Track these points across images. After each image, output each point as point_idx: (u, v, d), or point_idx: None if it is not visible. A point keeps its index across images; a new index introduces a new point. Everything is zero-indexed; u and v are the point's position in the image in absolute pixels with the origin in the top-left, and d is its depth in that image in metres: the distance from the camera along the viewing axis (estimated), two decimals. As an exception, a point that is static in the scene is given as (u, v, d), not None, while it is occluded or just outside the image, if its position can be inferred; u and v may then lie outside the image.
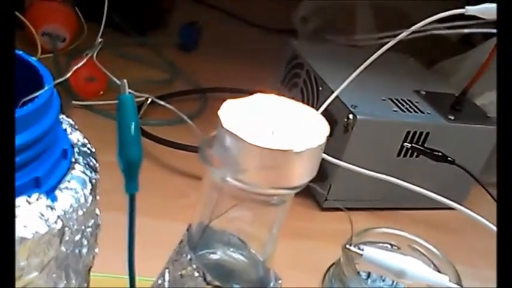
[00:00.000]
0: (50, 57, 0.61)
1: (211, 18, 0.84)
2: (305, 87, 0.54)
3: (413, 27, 0.43)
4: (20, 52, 0.23)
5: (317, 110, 0.47)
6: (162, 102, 0.25)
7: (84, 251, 0.23)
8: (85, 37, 0.67)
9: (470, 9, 0.42)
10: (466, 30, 0.43)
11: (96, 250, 0.25)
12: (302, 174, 0.22)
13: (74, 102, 0.54)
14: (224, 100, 0.23)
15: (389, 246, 0.30)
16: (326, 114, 0.46)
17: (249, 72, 0.71)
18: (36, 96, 0.20)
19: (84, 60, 0.21)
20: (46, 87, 0.21)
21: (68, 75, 0.21)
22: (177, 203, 0.48)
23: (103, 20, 0.68)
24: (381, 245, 0.30)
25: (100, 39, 0.21)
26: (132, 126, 0.22)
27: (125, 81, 0.22)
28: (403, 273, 0.27)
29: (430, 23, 0.44)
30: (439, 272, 0.29)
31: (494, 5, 0.41)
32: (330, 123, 0.23)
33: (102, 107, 0.55)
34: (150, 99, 0.52)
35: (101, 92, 0.57)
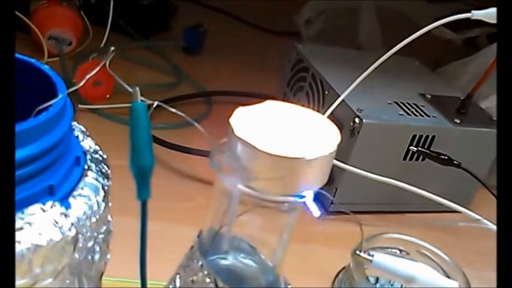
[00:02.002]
0: (56, 60, 0.61)
1: (215, 21, 0.84)
2: (311, 91, 0.54)
3: (420, 32, 0.43)
4: (33, 60, 0.23)
5: (323, 114, 0.47)
6: (171, 109, 0.25)
7: (97, 257, 0.24)
8: (91, 40, 0.68)
9: (476, 14, 0.42)
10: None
11: (108, 256, 0.25)
12: (313, 181, 0.22)
13: (80, 106, 0.55)
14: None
15: (398, 251, 0.30)
16: (332, 118, 0.46)
17: (253, 75, 0.71)
18: (51, 105, 0.21)
19: (98, 69, 0.21)
20: (60, 96, 0.21)
21: (81, 83, 0.21)
22: (183, 206, 0.48)
23: (108, 24, 0.68)
24: (389, 250, 0.30)
25: (112, 48, 0.21)
26: (145, 134, 0.22)
27: (137, 88, 0.22)
28: (412, 279, 0.27)
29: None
30: (448, 277, 0.29)
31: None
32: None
33: (109, 111, 0.56)
34: (155, 103, 0.52)
35: (108, 96, 0.57)
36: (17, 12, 0.60)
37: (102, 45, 0.67)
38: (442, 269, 0.30)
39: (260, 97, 0.64)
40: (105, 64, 0.21)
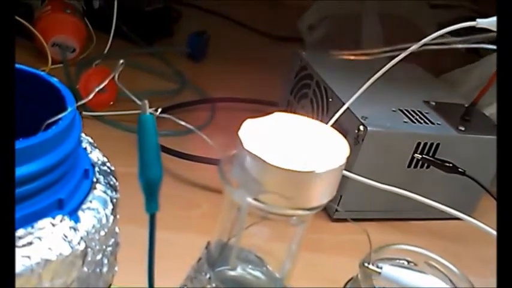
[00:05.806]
0: (60, 67, 0.61)
1: (219, 27, 0.84)
2: (315, 98, 0.54)
3: (425, 40, 0.43)
4: (42, 73, 0.23)
5: (327, 121, 0.47)
6: (176, 119, 0.25)
7: (105, 269, 0.23)
8: (94, 47, 0.68)
9: (481, 22, 0.42)
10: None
11: (116, 268, 0.25)
12: (322, 195, 0.22)
13: (84, 113, 0.55)
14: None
15: (405, 262, 0.30)
16: (336, 125, 0.46)
17: (257, 81, 0.71)
18: (60, 119, 0.21)
19: (106, 81, 0.21)
20: (69, 109, 0.21)
21: (90, 97, 0.21)
22: (189, 214, 0.48)
23: (112, 31, 0.68)
24: (397, 261, 0.30)
25: (121, 61, 0.21)
26: (153, 146, 0.22)
27: (146, 101, 0.22)
28: (421, 292, 0.27)
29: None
30: (456, 289, 0.29)
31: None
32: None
33: (113, 118, 0.56)
34: (159, 111, 0.52)
35: (111, 103, 0.57)
36: (20, 19, 0.60)
37: (106, 51, 0.68)
38: (450, 280, 0.30)
39: (264, 103, 0.64)
40: (114, 77, 0.21)
